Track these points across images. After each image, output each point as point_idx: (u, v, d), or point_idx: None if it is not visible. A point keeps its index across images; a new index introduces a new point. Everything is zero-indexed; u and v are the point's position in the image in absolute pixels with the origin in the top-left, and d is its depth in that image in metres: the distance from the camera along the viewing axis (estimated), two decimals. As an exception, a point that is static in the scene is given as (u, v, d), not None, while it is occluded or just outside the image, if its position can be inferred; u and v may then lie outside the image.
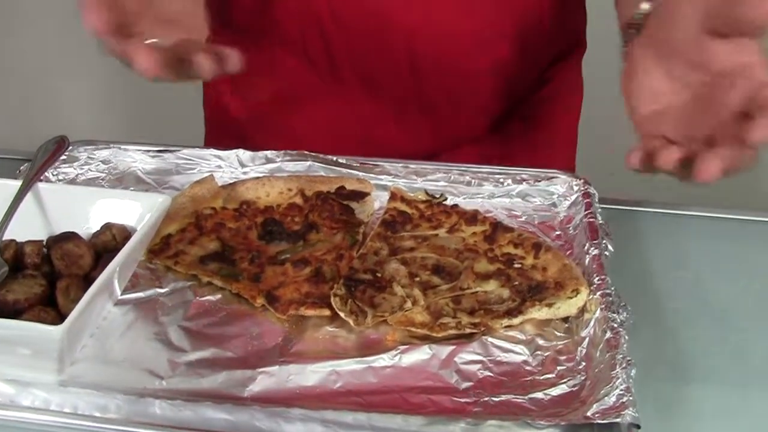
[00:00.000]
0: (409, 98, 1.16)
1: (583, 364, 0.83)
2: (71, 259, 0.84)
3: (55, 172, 1.08)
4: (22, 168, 1.04)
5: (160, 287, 0.92)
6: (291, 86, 1.20)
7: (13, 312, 0.80)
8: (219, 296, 0.92)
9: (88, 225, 0.90)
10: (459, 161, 1.11)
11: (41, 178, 0.92)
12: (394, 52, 1.11)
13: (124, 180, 1.10)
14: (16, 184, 0.92)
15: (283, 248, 0.96)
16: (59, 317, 0.80)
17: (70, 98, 2.67)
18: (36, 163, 0.93)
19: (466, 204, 1.05)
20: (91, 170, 1.10)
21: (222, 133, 1.34)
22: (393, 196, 1.04)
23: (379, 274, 0.93)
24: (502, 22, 1.10)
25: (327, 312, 0.88)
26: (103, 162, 1.11)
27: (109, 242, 0.87)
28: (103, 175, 1.11)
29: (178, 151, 1.12)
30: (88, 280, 0.84)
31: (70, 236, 0.88)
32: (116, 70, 0.86)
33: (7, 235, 0.88)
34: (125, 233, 0.88)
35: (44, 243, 0.88)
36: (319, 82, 1.17)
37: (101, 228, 0.89)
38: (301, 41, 1.14)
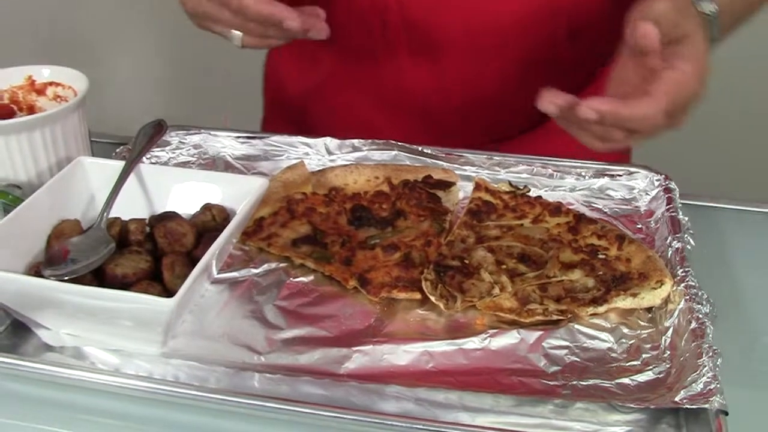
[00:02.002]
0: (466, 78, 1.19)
1: (668, 352, 0.85)
2: (174, 237, 0.87)
3: (148, 156, 1.11)
4: (117, 150, 1.08)
5: (254, 268, 0.95)
6: (346, 64, 1.25)
7: (122, 285, 0.83)
8: (311, 278, 0.95)
9: (186, 205, 0.93)
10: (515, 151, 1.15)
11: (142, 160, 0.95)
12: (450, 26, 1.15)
13: (214, 164, 1.13)
14: (118, 164, 0.95)
15: (373, 233, 0.99)
16: (165, 291, 0.83)
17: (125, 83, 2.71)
18: (137, 145, 0.96)
19: (548, 196, 1.07)
20: (183, 154, 1.14)
21: (281, 115, 1.38)
22: (478, 187, 1.06)
23: (466, 261, 0.95)
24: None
25: (417, 296, 0.91)
26: (194, 147, 1.15)
27: (209, 222, 0.90)
28: (194, 159, 1.14)
29: (267, 137, 1.15)
30: (190, 258, 0.87)
31: (172, 215, 0.91)
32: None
33: (112, 214, 0.91)
34: (224, 214, 0.91)
35: (147, 221, 0.91)
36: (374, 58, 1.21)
37: (201, 208, 0.92)
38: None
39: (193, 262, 0.85)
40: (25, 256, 0.87)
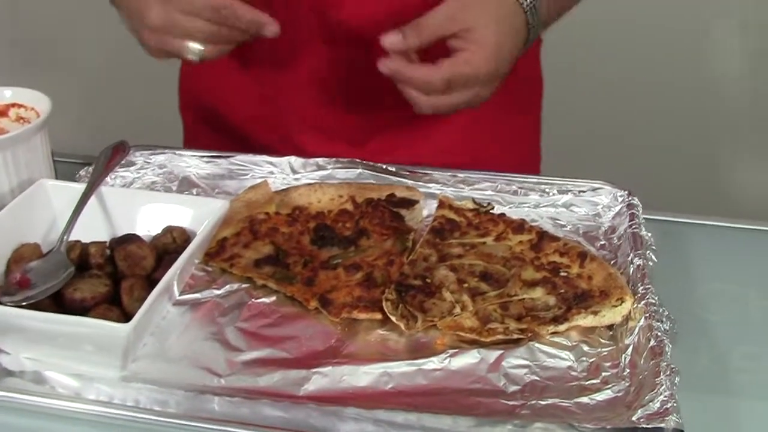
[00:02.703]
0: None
1: (628, 370, 0.85)
2: (134, 260, 0.87)
3: (113, 176, 1.11)
4: (81, 172, 1.08)
5: (216, 289, 0.95)
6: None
7: (80, 309, 0.83)
8: (273, 298, 0.95)
9: (148, 227, 0.93)
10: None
11: (103, 181, 0.95)
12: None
13: (179, 184, 1.13)
14: (80, 187, 0.95)
15: (335, 253, 0.99)
16: (123, 315, 0.83)
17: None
18: (98, 167, 0.96)
19: (513, 213, 1.08)
20: (148, 174, 1.14)
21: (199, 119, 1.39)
22: (441, 204, 1.07)
23: (428, 280, 0.95)
24: None
25: (378, 316, 0.91)
26: (159, 167, 1.15)
27: (169, 244, 0.90)
28: (160, 179, 1.14)
29: (232, 157, 1.15)
30: (150, 281, 0.87)
31: (132, 238, 0.91)
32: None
33: (72, 237, 0.91)
34: (185, 236, 0.91)
35: (107, 244, 0.91)
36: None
37: (162, 231, 0.92)
38: None
39: (152, 285, 0.85)
40: (-16, 284, 0.87)
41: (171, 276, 0.82)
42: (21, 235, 0.92)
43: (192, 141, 1.38)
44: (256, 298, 0.95)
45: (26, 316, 0.78)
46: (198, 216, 0.92)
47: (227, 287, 0.96)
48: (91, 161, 1.08)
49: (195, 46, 1.00)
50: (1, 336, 0.84)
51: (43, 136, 1.02)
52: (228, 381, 0.84)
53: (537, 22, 1.05)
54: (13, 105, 1.07)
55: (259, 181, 1.10)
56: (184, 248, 0.90)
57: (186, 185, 1.13)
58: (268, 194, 1.06)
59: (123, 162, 1.12)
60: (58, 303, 0.84)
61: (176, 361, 0.86)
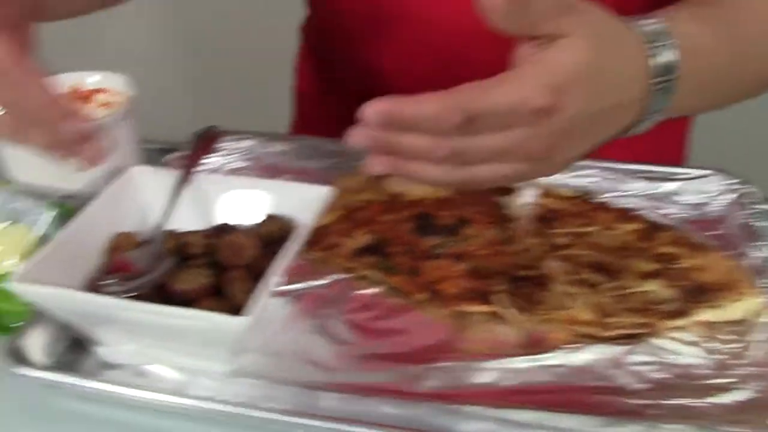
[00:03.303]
0: None
1: (758, 369, 0.80)
2: (236, 250, 0.83)
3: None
4: (167, 157, 1.04)
5: (317, 279, 0.91)
6: None
7: (183, 301, 0.79)
8: (376, 290, 0.90)
9: (246, 215, 0.89)
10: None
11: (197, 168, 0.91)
12: None
13: (268, 171, 1.09)
14: (172, 173, 0.91)
15: (437, 242, 0.95)
16: (229, 308, 0.79)
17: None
18: (191, 152, 0.92)
19: (615, 201, 1.02)
20: (236, 161, 1.10)
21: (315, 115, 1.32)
22: (543, 192, 1.02)
23: (538, 271, 0.90)
24: None
25: (487, 308, 0.86)
26: (246, 152, 1.11)
27: (272, 233, 0.86)
28: (247, 165, 1.10)
29: (323, 142, 1.10)
30: (253, 272, 0.83)
31: (233, 227, 0.87)
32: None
33: (168, 226, 0.87)
34: (288, 225, 0.87)
35: (206, 233, 0.87)
36: None
37: (264, 219, 0.88)
38: None
39: (257, 276, 0.81)
40: (82, 272, 0.84)
41: (280, 267, 0.78)
42: (115, 225, 0.88)
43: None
44: (358, 289, 0.90)
45: (135, 309, 0.74)
46: (300, 204, 0.88)
47: (328, 278, 0.92)
48: (173, 147, 1.04)
49: None
50: (101, 327, 0.80)
51: (131, 121, 0.97)
52: (338, 376, 0.80)
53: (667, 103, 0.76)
54: (98, 91, 1.02)
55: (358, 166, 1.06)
56: (286, 237, 0.85)
57: (276, 172, 1.08)
58: (363, 181, 1.01)
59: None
60: (159, 295, 0.79)
61: (281, 354, 0.83)
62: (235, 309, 0.78)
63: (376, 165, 0.71)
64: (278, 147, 1.12)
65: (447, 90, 0.66)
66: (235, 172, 1.08)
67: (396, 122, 0.67)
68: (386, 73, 1.18)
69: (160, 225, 0.85)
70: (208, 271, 0.81)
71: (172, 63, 2.59)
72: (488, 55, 1.00)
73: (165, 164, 1.04)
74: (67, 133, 0.82)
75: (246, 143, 1.12)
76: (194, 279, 0.80)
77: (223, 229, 0.87)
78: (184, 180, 0.88)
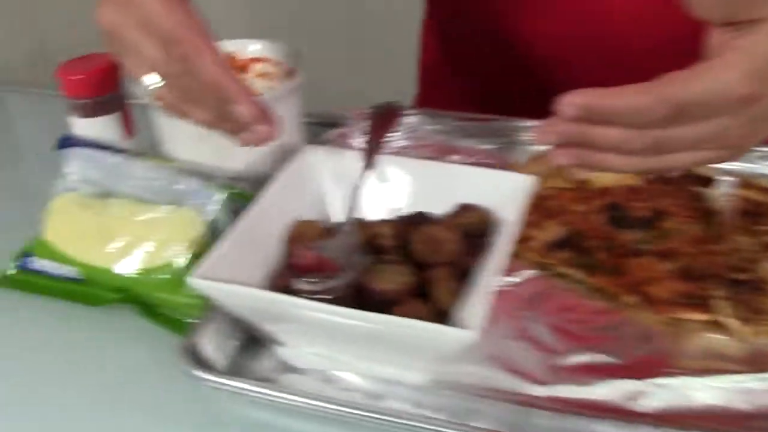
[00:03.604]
0: None
1: None
2: (436, 244, 0.75)
3: (359, 140, 0.98)
4: (329, 133, 0.95)
5: (509, 276, 0.82)
6: None
7: (382, 302, 0.70)
8: (576, 289, 0.81)
9: (436, 204, 0.81)
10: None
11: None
12: None
13: (434, 150, 1.00)
14: (350, 154, 0.83)
15: (637, 237, 0.85)
16: (435, 312, 0.70)
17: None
18: (371, 131, 0.83)
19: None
20: (400, 139, 1.01)
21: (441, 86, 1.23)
22: (744, 184, 0.92)
23: (754, 274, 0.81)
24: None
25: (705, 316, 0.77)
26: (411, 130, 1.02)
27: (471, 226, 0.77)
28: (408, 143, 1.01)
29: (494, 120, 1.01)
30: (455, 269, 0.74)
31: (429, 218, 0.79)
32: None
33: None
34: (488, 217, 0.78)
35: (398, 224, 0.78)
36: None
37: (459, 209, 0.79)
38: None
39: (460, 275, 0.72)
40: (263, 264, 0.76)
41: (495, 267, 0.69)
42: (293, 211, 0.79)
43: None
44: (558, 288, 0.81)
45: (339, 314, 0.65)
46: (497, 193, 0.79)
47: (521, 274, 0.83)
48: (332, 122, 0.96)
49: (147, 79, 0.75)
50: (285, 328, 0.71)
51: (299, 96, 0.88)
52: (551, 390, 0.72)
53: None
54: (256, 60, 0.94)
55: (528, 149, 0.96)
56: (486, 231, 0.77)
57: (442, 151, 0.99)
58: (549, 167, 0.91)
59: (364, 125, 0.99)
60: (352, 293, 0.71)
61: (483, 362, 0.74)
62: (440, 313, 0.70)
63: (563, 157, 0.68)
64: (440, 125, 1.02)
65: (646, 83, 0.63)
66: (400, 150, 0.99)
67: (595, 115, 0.64)
68: (525, 44, 1.09)
69: (349, 213, 0.76)
70: (407, 269, 0.72)
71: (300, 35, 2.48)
72: (640, 24, 0.90)
73: (326, 141, 0.95)
74: (239, 114, 0.72)
75: (409, 119, 1.02)
76: (394, 277, 0.71)
77: (417, 220, 0.78)
78: (369, 163, 0.79)
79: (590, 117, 0.64)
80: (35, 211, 0.88)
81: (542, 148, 0.95)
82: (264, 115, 0.74)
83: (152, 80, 0.74)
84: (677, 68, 0.65)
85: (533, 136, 0.69)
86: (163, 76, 0.74)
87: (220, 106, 0.74)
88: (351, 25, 2.18)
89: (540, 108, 0.97)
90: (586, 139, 0.66)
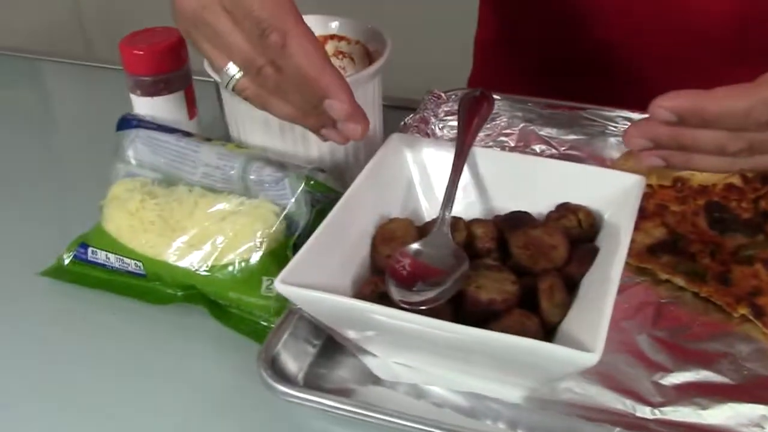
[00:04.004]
0: None
1: None
2: (540, 249, 0.68)
3: (440, 126, 0.92)
4: (407, 120, 0.89)
5: (606, 282, 0.75)
6: None
7: (485, 313, 0.64)
8: (680, 298, 0.75)
9: (533, 203, 0.74)
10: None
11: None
12: None
13: (516, 139, 0.94)
14: (443, 145, 0.77)
15: (742, 242, 0.79)
16: (541, 325, 0.64)
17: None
18: (461, 121, 0.76)
19: None
20: (478, 125, 0.93)
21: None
22: None
23: None
24: None
25: (821, 332, 0.71)
26: (491, 117, 0.95)
27: (573, 229, 0.71)
28: (492, 133, 0.95)
29: (582, 109, 0.95)
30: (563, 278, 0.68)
31: (528, 219, 0.72)
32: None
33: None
34: (591, 219, 0.71)
35: (496, 224, 0.72)
36: None
37: (559, 209, 0.72)
38: None
39: (567, 284, 0.66)
40: (349, 267, 0.69)
41: (610, 277, 0.62)
42: (381, 207, 0.73)
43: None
44: (662, 298, 0.75)
45: (447, 329, 0.59)
46: (601, 193, 0.72)
47: (621, 280, 0.75)
48: (410, 107, 0.92)
49: (230, 70, 0.69)
50: (372, 335, 0.66)
51: (379, 79, 0.82)
52: (663, 412, 0.66)
53: None
54: (332, 37, 0.87)
55: (616, 141, 0.90)
56: (591, 234, 0.70)
57: (525, 140, 0.93)
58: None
59: (444, 110, 0.93)
60: (450, 300, 0.64)
61: (585, 378, 0.67)
62: (547, 327, 0.63)
63: (654, 160, 0.66)
64: (522, 111, 0.95)
65: (743, 85, 0.61)
66: (479, 141, 0.92)
67: (693, 119, 0.61)
68: (591, 20, 1.02)
69: (444, 211, 0.69)
70: (510, 276, 0.66)
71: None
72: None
73: (406, 127, 0.88)
74: (331, 110, 0.66)
75: (489, 106, 0.95)
76: (499, 285, 0.65)
77: (517, 221, 0.71)
78: (462, 155, 0.73)
79: (684, 121, 0.62)
80: (93, 198, 0.82)
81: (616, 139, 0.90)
82: (356, 112, 0.67)
83: (234, 70, 0.67)
84: (756, 47, 0.61)
85: (623, 139, 0.66)
86: (250, 66, 0.67)
87: (310, 99, 0.67)
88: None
89: (603, 90, 0.91)
90: (678, 143, 0.64)
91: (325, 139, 0.71)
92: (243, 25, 0.64)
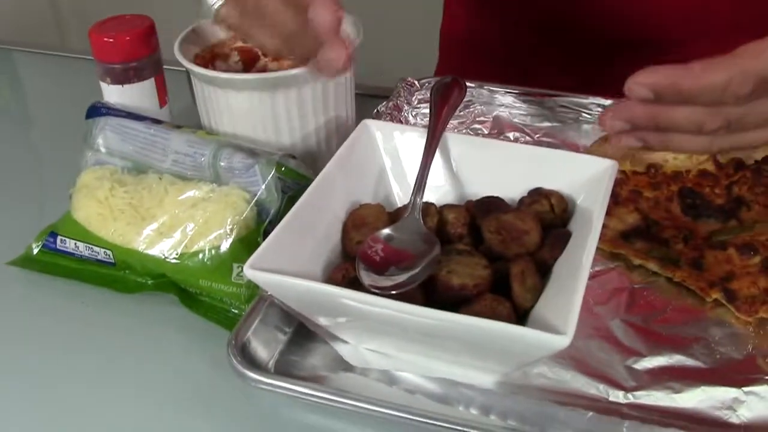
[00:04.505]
0: None
1: None
2: (512, 234, 0.68)
3: (413, 113, 0.91)
4: (380, 108, 0.88)
5: (579, 267, 0.75)
6: None
7: (457, 298, 0.64)
8: (654, 283, 0.75)
9: (505, 188, 0.74)
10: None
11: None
12: None
13: (491, 126, 0.93)
14: (415, 132, 0.76)
15: (715, 227, 0.79)
16: (513, 309, 0.63)
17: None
18: (433, 107, 0.76)
19: None
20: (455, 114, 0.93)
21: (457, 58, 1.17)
22: (825, 171, 0.85)
23: None
24: None
25: (794, 315, 0.71)
26: (466, 104, 0.94)
27: (545, 214, 0.70)
28: (467, 119, 0.95)
29: (556, 96, 0.94)
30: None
31: (501, 204, 0.71)
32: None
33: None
34: (564, 204, 0.71)
35: (468, 209, 0.71)
36: None
37: (531, 194, 0.72)
38: None
39: (540, 269, 0.66)
40: (320, 252, 0.68)
41: (581, 262, 0.62)
42: (352, 192, 0.72)
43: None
44: (635, 283, 0.75)
45: (420, 314, 0.58)
46: (573, 178, 0.72)
47: (594, 266, 0.75)
48: (382, 95, 0.90)
49: None
50: (343, 321, 0.65)
51: (353, 68, 0.81)
52: (636, 396, 0.66)
53: None
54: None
55: (590, 128, 0.90)
56: (563, 219, 0.70)
57: (499, 127, 0.92)
58: (623, 148, 0.84)
59: (417, 97, 0.92)
60: (422, 285, 0.64)
61: (562, 365, 0.67)
62: (519, 312, 0.63)
63: (630, 140, 0.65)
64: (503, 98, 0.95)
65: (720, 57, 0.59)
66: (453, 127, 0.92)
67: (668, 96, 0.60)
68: (559, 9, 1.02)
69: (415, 196, 0.69)
70: (482, 260, 0.65)
71: None
72: None
73: (379, 114, 0.88)
74: (316, 20, 0.65)
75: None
76: (471, 270, 0.65)
77: (489, 206, 0.71)
78: (433, 142, 0.72)
79: (662, 98, 0.60)
80: (61, 186, 0.81)
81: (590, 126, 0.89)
82: (336, 35, 0.66)
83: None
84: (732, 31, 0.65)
85: (599, 122, 0.65)
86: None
87: (293, 21, 0.66)
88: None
89: (575, 80, 0.91)
90: (655, 123, 0.63)
91: (312, 69, 0.70)
92: None
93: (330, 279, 0.67)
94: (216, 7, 0.66)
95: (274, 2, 0.65)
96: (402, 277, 0.63)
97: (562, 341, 0.56)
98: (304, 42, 0.66)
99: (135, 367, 0.71)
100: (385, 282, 0.63)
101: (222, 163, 0.76)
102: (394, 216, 0.71)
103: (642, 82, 0.61)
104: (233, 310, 0.73)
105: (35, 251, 0.80)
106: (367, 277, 0.63)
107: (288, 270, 0.62)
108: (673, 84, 0.60)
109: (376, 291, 0.62)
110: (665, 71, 0.61)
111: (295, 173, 0.76)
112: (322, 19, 0.64)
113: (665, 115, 0.63)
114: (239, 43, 0.85)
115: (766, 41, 0.60)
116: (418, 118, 0.93)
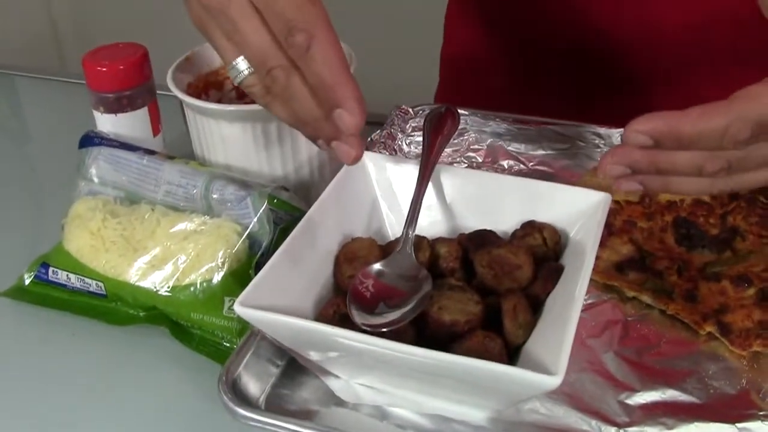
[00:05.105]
0: None
1: None
2: (504, 269, 0.68)
3: (407, 141, 0.91)
4: (374, 136, 0.88)
5: (572, 300, 0.75)
6: None
7: (448, 335, 0.63)
8: (647, 316, 0.75)
9: (498, 220, 0.73)
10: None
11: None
12: None
13: (485, 155, 0.93)
14: (408, 163, 0.75)
15: (710, 259, 0.78)
16: (504, 346, 0.63)
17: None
18: (426, 137, 0.75)
19: None
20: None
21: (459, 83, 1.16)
22: (819, 200, 0.85)
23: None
24: None
25: (789, 349, 0.70)
26: (459, 133, 0.94)
27: (538, 247, 0.70)
28: (462, 148, 0.95)
29: (550, 124, 0.94)
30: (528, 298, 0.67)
31: (492, 237, 0.71)
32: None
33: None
34: (556, 237, 0.71)
35: (460, 243, 0.71)
36: None
37: (524, 227, 0.72)
38: None
39: (532, 304, 0.65)
40: (311, 287, 0.68)
41: (574, 296, 0.62)
42: (344, 225, 0.72)
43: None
44: (629, 316, 0.74)
45: (411, 353, 0.58)
46: (566, 210, 0.72)
47: (587, 298, 0.75)
48: (377, 121, 0.91)
49: (239, 64, 0.66)
50: (335, 356, 0.65)
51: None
52: (632, 432, 0.64)
53: None
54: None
55: (584, 156, 0.90)
56: (556, 252, 0.70)
57: (494, 155, 0.92)
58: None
59: (411, 125, 0.92)
60: (414, 322, 0.64)
61: (555, 399, 0.67)
62: (510, 348, 0.63)
63: (631, 185, 0.64)
64: (497, 126, 0.95)
65: (718, 102, 0.59)
66: (446, 156, 0.92)
67: (670, 141, 0.59)
68: (560, 37, 1.02)
69: (407, 230, 0.68)
70: (473, 296, 0.65)
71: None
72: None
73: (372, 144, 0.88)
74: (340, 121, 0.64)
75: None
76: (462, 306, 0.64)
77: (481, 240, 0.70)
78: (426, 174, 0.72)
79: (660, 144, 0.60)
80: (53, 217, 0.80)
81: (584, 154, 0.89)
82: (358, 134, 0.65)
83: (244, 66, 0.65)
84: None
85: (599, 167, 0.64)
86: (261, 66, 0.64)
87: (315, 110, 0.65)
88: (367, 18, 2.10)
89: (570, 106, 0.90)
90: (656, 167, 0.62)
91: (323, 148, 0.68)
92: (271, 25, 0.62)
93: (321, 314, 0.66)
94: (244, 73, 0.66)
95: (302, 91, 0.64)
96: (393, 315, 0.63)
97: (553, 382, 0.56)
98: (322, 126, 0.66)
99: (125, 399, 0.70)
100: (376, 320, 0.63)
101: (214, 195, 0.76)
102: (387, 249, 0.71)
103: (640, 129, 0.60)
104: (225, 343, 0.72)
105: (27, 282, 0.80)
106: (358, 316, 0.63)
107: (279, 305, 0.61)
108: (670, 129, 0.60)
109: (367, 329, 0.61)
110: (663, 117, 0.60)
111: (288, 205, 0.75)
112: (348, 123, 0.63)
113: (666, 159, 0.62)
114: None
115: (764, 84, 0.60)
116: (412, 146, 0.93)
